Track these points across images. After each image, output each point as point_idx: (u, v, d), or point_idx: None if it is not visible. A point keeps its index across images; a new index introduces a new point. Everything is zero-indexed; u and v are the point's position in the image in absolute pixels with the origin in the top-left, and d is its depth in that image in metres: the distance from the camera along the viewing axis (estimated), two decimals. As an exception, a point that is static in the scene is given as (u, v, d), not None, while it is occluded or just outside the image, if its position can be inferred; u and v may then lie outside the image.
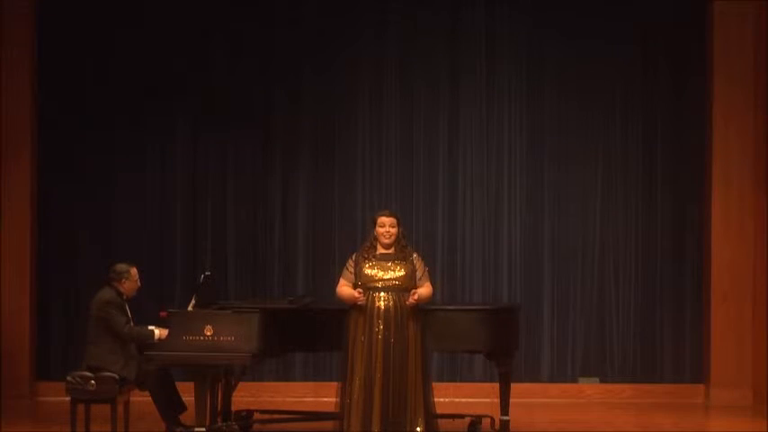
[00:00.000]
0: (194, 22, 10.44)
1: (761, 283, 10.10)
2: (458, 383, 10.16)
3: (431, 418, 7.13)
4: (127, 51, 10.39)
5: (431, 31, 10.49)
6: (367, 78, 10.53)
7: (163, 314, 7.67)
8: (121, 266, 7.94)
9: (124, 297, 7.89)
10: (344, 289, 7.16)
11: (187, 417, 7.87)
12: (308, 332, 7.82)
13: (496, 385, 8.18)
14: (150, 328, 7.70)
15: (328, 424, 7.80)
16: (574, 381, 10.41)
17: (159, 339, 7.61)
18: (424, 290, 7.15)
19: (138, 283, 8.00)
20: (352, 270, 7.16)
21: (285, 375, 10.37)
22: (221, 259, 10.41)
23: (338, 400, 7.15)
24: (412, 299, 7.04)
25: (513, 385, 8.16)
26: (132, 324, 7.82)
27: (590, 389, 10.36)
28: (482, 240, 10.48)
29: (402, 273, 7.12)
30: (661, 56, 10.45)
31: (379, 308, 7.05)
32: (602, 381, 10.39)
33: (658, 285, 10.41)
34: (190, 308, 7.72)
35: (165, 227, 10.46)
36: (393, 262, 7.15)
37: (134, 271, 7.96)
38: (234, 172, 10.52)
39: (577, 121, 10.50)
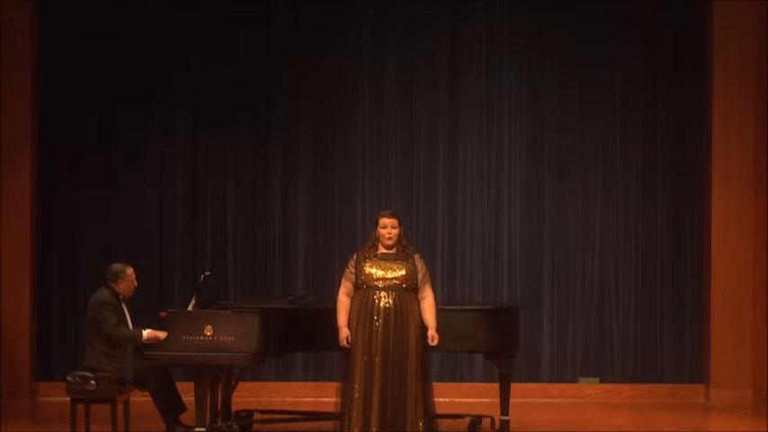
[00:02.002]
0: (194, 21, 10.43)
1: (761, 283, 10.10)
2: (458, 383, 10.16)
3: (431, 419, 7.13)
4: (127, 51, 10.39)
5: (431, 31, 10.49)
6: (367, 78, 10.53)
7: (163, 314, 7.67)
8: (117, 267, 7.92)
9: (121, 297, 7.87)
10: (341, 316, 7.15)
11: (187, 417, 7.87)
12: (308, 332, 7.82)
13: (496, 385, 8.19)
14: (142, 330, 7.68)
15: (328, 424, 7.80)
16: (574, 381, 10.41)
17: (149, 340, 7.57)
18: (431, 309, 7.13)
19: (135, 283, 7.97)
20: (353, 270, 7.16)
21: (285, 375, 10.37)
22: (221, 259, 10.41)
23: (339, 399, 7.15)
24: (433, 342, 7.08)
25: (513, 385, 8.17)
26: (129, 325, 7.81)
27: (590, 389, 10.36)
28: (482, 240, 10.48)
29: (403, 272, 7.12)
30: (661, 56, 10.45)
31: (379, 307, 7.05)
32: (602, 381, 10.38)
33: (658, 285, 10.41)
34: (190, 308, 7.72)
35: (165, 227, 10.46)
36: (394, 262, 7.15)
37: (130, 271, 7.93)
38: (234, 172, 10.52)
39: (577, 121, 10.50)
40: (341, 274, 7.31)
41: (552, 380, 10.42)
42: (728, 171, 10.13)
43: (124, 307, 7.89)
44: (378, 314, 7.04)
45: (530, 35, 10.50)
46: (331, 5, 10.50)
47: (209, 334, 7.35)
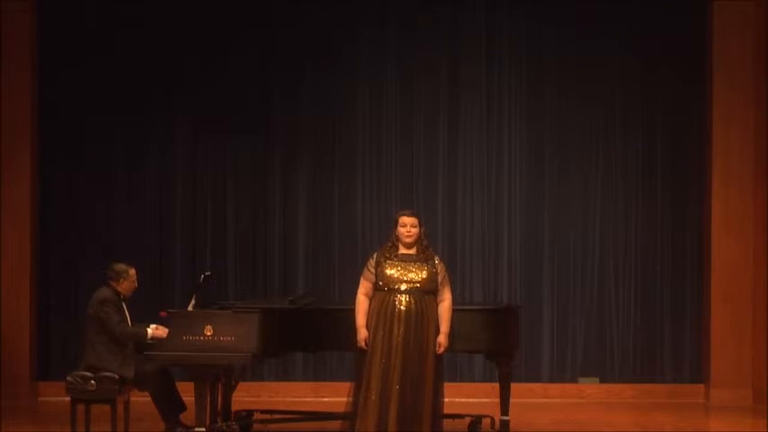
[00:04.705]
0: (195, 21, 10.43)
1: (761, 283, 10.10)
2: (458, 383, 10.14)
3: (437, 419, 7.12)
4: (127, 50, 10.39)
5: (431, 31, 10.49)
6: (367, 78, 10.53)
7: (163, 314, 7.68)
8: (120, 266, 7.95)
9: (122, 296, 7.89)
10: (360, 316, 7.07)
11: (187, 417, 7.87)
12: (308, 332, 7.82)
13: (496, 385, 8.19)
14: (146, 328, 7.71)
15: (328, 424, 7.80)
16: (574, 381, 10.41)
17: (153, 338, 7.61)
18: (446, 313, 7.10)
19: (136, 284, 8.01)
20: (373, 270, 7.10)
21: (285, 375, 10.37)
22: (221, 259, 10.41)
23: (350, 399, 7.10)
24: (441, 350, 7.07)
25: (513, 385, 8.17)
26: (128, 323, 7.83)
27: (590, 389, 10.36)
28: (482, 240, 10.48)
29: (424, 275, 7.07)
30: (661, 56, 10.45)
31: (399, 310, 7.00)
32: (602, 381, 10.39)
33: (658, 285, 10.42)
34: (190, 308, 7.72)
35: (165, 227, 10.46)
36: (415, 263, 7.10)
37: (133, 271, 7.97)
38: (234, 172, 10.52)
39: (577, 121, 10.50)
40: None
41: (552, 380, 10.42)
42: (728, 171, 10.13)
43: (124, 306, 7.91)
44: (398, 318, 6.98)
45: (530, 35, 10.50)
46: (331, 5, 10.50)
47: (209, 334, 7.35)
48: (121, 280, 7.89)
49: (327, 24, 10.50)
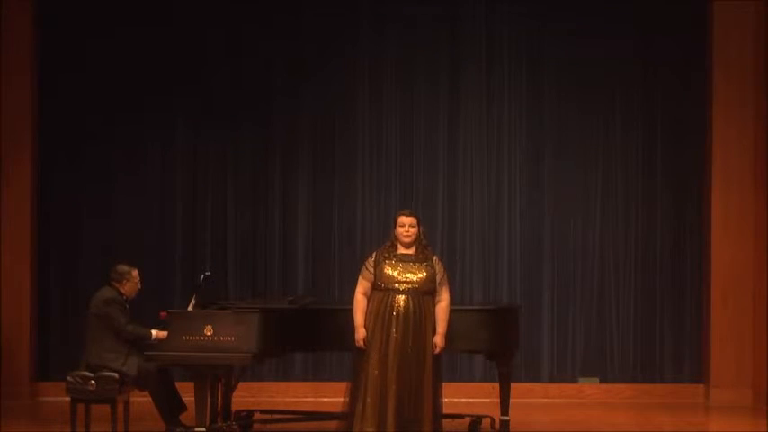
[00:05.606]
0: (195, 21, 10.44)
1: (761, 283, 10.10)
2: (458, 383, 10.14)
3: (438, 419, 7.12)
4: (127, 50, 10.38)
5: (431, 31, 10.50)
6: (367, 78, 10.53)
7: (163, 314, 7.69)
8: (123, 267, 7.95)
9: (125, 297, 7.90)
10: (358, 315, 7.07)
11: (187, 417, 7.87)
12: (308, 332, 7.82)
13: (496, 385, 8.19)
14: (151, 330, 7.73)
15: (328, 424, 7.79)
16: (574, 381, 10.41)
17: (157, 340, 7.64)
18: (443, 313, 7.10)
19: (139, 285, 8.02)
20: (372, 270, 7.11)
21: (285, 375, 10.37)
22: (221, 259, 10.41)
23: (347, 399, 7.11)
24: (437, 350, 7.07)
25: (513, 385, 8.17)
26: (133, 323, 7.84)
27: (590, 389, 10.36)
28: (482, 240, 10.48)
29: (424, 275, 7.08)
30: (661, 56, 10.45)
31: (398, 310, 7.00)
32: (602, 381, 10.39)
33: (658, 285, 10.41)
34: (190, 308, 7.73)
35: (165, 227, 10.46)
36: (414, 263, 7.11)
37: (135, 272, 7.98)
38: (234, 172, 10.52)
39: (577, 121, 10.50)
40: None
41: (552, 380, 10.42)
42: (728, 171, 10.13)
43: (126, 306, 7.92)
44: (396, 318, 6.98)
45: (530, 35, 10.50)
46: (331, 5, 10.50)
47: (209, 334, 7.35)
48: (124, 281, 7.90)
49: (327, 24, 10.50)
